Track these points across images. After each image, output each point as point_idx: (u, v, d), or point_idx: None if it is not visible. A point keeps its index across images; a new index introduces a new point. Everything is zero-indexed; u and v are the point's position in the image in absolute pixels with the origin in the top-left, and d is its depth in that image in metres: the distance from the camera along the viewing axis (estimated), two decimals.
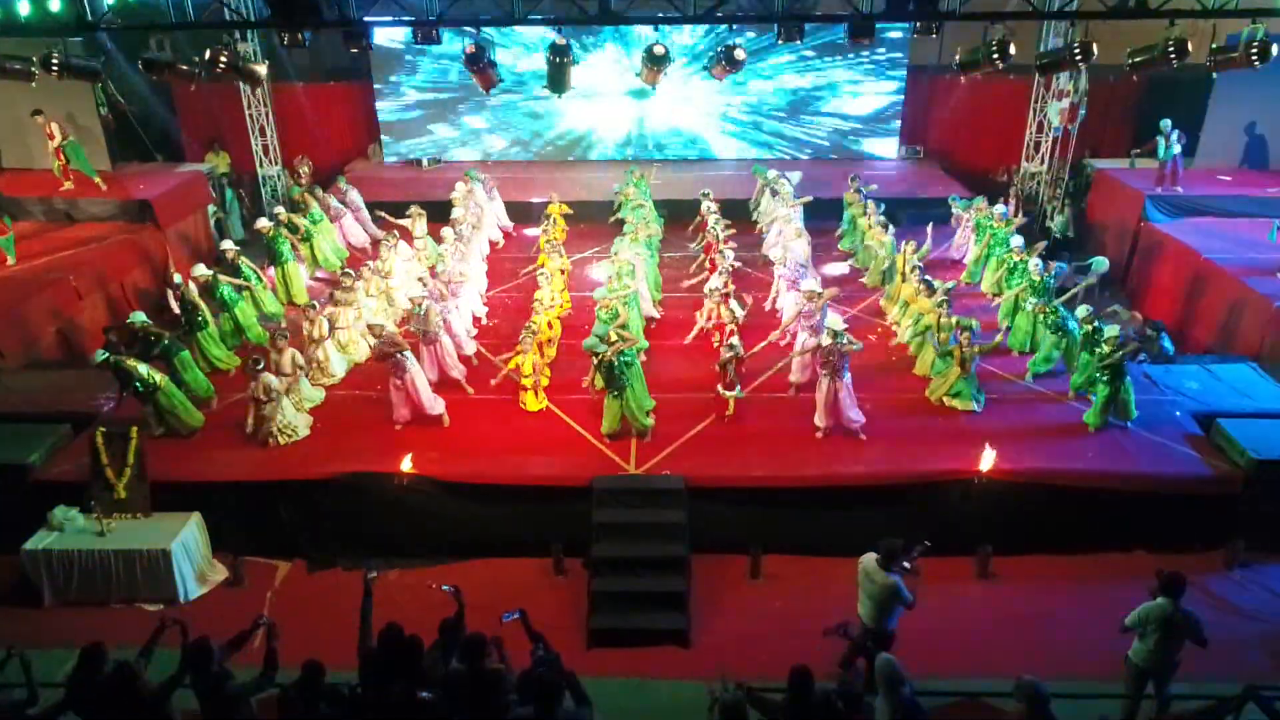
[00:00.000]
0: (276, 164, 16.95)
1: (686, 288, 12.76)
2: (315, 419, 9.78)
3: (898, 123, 18.43)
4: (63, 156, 14.38)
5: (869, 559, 6.73)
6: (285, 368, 9.56)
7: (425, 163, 18.26)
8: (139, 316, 10.08)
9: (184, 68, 11.68)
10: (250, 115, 16.42)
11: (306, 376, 10.18)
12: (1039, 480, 8.77)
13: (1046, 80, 15.92)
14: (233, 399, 10.13)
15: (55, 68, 11.54)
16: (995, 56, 10.94)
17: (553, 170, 17.79)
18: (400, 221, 13.52)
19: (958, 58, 12.03)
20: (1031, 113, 16.54)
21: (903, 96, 18.23)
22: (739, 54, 11.61)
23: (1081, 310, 10.09)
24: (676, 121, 18.50)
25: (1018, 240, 11.89)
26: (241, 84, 16.04)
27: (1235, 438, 8.92)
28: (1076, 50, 11.05)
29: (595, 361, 9.21)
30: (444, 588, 6.29)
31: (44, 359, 11.45)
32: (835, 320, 9.49)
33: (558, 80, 11.83)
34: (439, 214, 13.90)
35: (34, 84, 12.31)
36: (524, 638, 5.69)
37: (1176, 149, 14.12)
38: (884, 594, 6.58)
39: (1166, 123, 14.09)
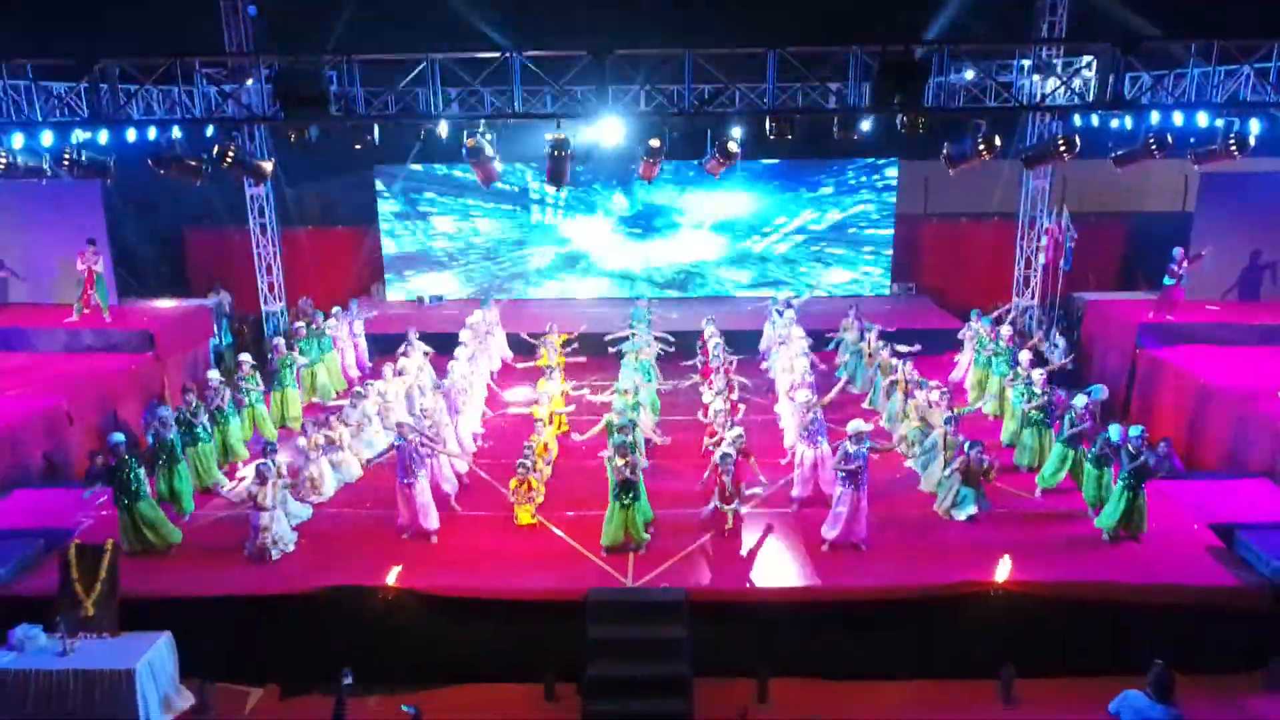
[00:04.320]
0: (280, 301, 17.27)
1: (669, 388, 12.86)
2: (301, 535, 9.43)
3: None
4: (92, 286, 14.64)
5: (1138, 699, 6.02)
6: (265, 503, 9.04)
7: (427, 300, 18.65)
8: (118, 437, 9.80)
9: (191, 163, 11.58)
10: (258, 254, 16.91)
11: (295, 497, 9.89)
12: (1060, 592, 8.32)
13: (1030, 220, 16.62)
14: (213, 517, 9.85)
15: (67, 163, 11.37)
16: (982, 148, 11.14)
17: (554, 307, 18.11)
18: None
19: (944, 150, 12.11)
20: (1019, 249, 17.07)
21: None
22: (732, 146, 11.39)
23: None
24: (683, 257, 19.28)
25: (1025, 355, 11.81)
26: (251, 226, 16.73)
27: (1260, 548, 8.55)
28: (1060, 142, 11.34)
29: (619, 464, 8.88)
30: (404, 708, 5.83)
31: (31, 480, 11.17)
32: (857, 423, 9.19)
33: (557, 174, 11.90)
34: (440, 348, 13.85)
35: (44, 180, 12.32)
36: None
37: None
38: None
39: (1178, 251, 14.38)
